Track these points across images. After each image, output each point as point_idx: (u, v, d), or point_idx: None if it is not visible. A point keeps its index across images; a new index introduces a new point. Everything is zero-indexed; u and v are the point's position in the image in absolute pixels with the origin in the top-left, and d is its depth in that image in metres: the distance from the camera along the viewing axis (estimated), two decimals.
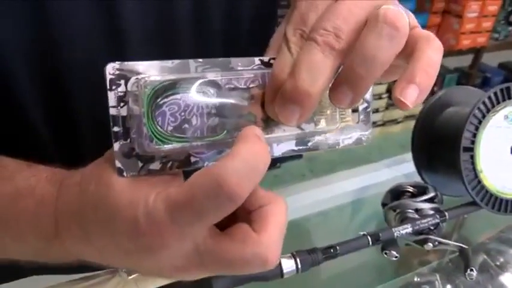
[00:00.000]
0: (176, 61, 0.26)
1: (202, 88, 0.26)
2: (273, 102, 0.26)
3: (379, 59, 0.24)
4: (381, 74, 0.25)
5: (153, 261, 0.25)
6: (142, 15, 0.35)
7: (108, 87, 0.25)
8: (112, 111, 0.25)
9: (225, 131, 0.27)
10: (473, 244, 0.56)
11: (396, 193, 0.50)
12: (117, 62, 0.25)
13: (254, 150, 0.22)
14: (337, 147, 0.31)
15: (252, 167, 0.22)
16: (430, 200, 0.47)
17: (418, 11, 2.23)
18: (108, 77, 0.25)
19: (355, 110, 0.32)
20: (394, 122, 2.30)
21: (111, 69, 0.25)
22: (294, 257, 0.38)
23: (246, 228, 0.25)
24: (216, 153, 0.27)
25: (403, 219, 0.46)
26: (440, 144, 0.49)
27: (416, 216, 0.45)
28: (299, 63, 0.24)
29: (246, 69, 0.28)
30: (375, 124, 2.31)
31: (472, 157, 0.44)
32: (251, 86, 0.27)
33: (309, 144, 0.30)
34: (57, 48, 0.34)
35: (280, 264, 0.38)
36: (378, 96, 2.13)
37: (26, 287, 0.45)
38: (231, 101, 0.27)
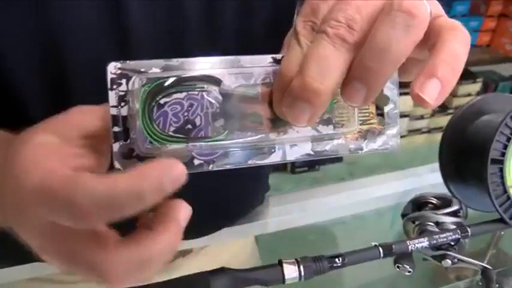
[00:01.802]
0: (181, 59, 0.26)
1: (206, 87, 0.25)
2: (281, 101, 0.24)
3: (394, 51, 0.22)
4: (396, 68, 0.22)
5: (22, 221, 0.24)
6: (149, 14, 0.35)
7: (109, 86, 0.25)
8: (112, 111, 0.25)
9: (227, 131, 0.26)
10: (509, 265, 0.52)
11: (418, 204, 0.47)
12: (119, 61, 0.25)
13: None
14: (359, 152, 0.29)
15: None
16: (453, 214, 0.44)
17: (471, 14, 2.12)
18: (110, 76, 0.25)
19: (380, 113, 0.29)
20: (440, 129, 2.21)
21: (112, 68, 0.25)
22: (297, 263, 0.37)
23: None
24: (222, 156, 0.26)
25: (422, 232, 0.43)
26: (468, 155, 0.46)
27: (437, 230, 0.42)
28: (308, 58, 0.23)
29: (255, 66, 0.26)
30: (419, 131, 2.23)
31: (501, 170, 0.41)
32: (259, 83, 0.26)
33: (327, 147, 0.28)
34: (62, 48, 0.34)
35: (282, 269, 0.36)
36: None
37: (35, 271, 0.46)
38: (236, 100, 0.26)
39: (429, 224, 0.43)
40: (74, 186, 0.21)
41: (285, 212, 0.53)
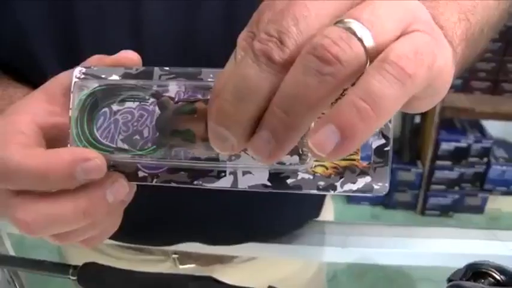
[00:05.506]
0: (140, 68, 0.26)
1: (147, 98, 0.25)
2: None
3: (304, 101, 0.18)
4: (312, 120, 0.19)
5: None
6: (167, 15, 0.35)
7: (71, 89, 0.26)
8: (70, 113, 0.26)
9: (154, 146, 0.25)
10: None
11: (474, 272, 0.38)
12: (85, 67, 0.26)
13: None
14: (331, 191, 0.25)
15: None
16: None
17: None
18: (74, 80, 0.26)
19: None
20: None
21: (77, 72, 0.26)
22: None
23: None
24: (167, 172, 0.25)
25: None
26: None
27: None
28: (229, 77, 0.20)
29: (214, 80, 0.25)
30: None
31: None
32: (200, 99, 0.24)
33: (289, 181, 0.25)
34: (81, 44, 0.36)
35: None
36: None
37: None
38: (171, 114, 0.24)
39: None
40: (3, 147, 0.23)
41: (327, 242, 0.48)
